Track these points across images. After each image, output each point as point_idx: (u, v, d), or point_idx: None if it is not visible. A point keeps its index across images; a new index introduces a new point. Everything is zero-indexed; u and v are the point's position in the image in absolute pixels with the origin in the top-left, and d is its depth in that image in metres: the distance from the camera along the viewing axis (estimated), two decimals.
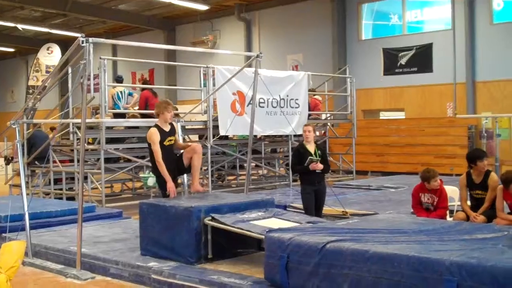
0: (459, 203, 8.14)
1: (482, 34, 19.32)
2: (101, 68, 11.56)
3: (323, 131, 17.56)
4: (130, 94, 14.28)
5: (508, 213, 7.47)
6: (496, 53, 18.92)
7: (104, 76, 11.56)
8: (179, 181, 9.26)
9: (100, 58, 11.56)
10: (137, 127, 13.44)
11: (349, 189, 13.89)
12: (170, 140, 7.91)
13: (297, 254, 5.48)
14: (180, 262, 6.69)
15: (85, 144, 9.72)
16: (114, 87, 13.72)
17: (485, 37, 19.24)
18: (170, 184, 7.70)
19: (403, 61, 20.92)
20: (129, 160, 13.48)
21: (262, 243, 6.43)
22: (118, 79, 14.77)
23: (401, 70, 21.04)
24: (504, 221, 7.13)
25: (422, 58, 20.48)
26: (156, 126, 7.89)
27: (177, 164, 8.02)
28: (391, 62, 21.25)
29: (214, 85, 13.15)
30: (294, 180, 14.53)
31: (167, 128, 7.93)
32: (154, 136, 7.72)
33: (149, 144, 7.81)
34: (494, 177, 7.79)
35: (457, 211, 8.12)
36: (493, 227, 6.02)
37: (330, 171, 16.45)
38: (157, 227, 7.10)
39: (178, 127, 8.87)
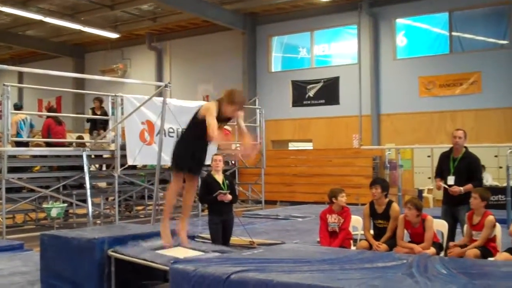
0: (362, 232, 8.34)
1: (386, 69, 20.09)
2: (5, 95, 11.19)
3: (233, 161, 17.64)
4: (32, 126, 13.79)
5: (409, 242, 7.71)
6: (399, 87, 19.70)
7: (7, 103, 11.20)
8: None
9: (4, 84, 11.21)
10: (43, 156, 13.03)
11: (257, 218, 13.97)
12: (220, 125, 6.76)
13: (202, 285, 5.42)
14: None
15: None
16: (16, 114, 13.27)
17: (389, 71, 20.01)
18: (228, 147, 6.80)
19: (311, 93, 21.41)
20: (32, 190, 13.04)
21: (167, 274, 6.34)
22: (16, 106, 14.31)
23: (309, 102, 21.52)
24: (404, 250, 7.35)
25: (329, 91, 21.04)
26: (219, 103, 6.69)
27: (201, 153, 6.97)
28: (300, 94, 21.71)
29: (122, 114, 13.00)
30: (203, 210, 14.48)
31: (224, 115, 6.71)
32: (213, 109, 6.52)
33: (196, 118, 6.72)
34: (395, 207, 8.04)
35: (360, 240, 8.31)
36: (394, 256, 6.19)
37: (239, 201, 16.56)
38: (58, 259, 6.89)
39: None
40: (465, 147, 8.65)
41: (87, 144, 13.04)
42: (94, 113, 15.06)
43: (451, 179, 8.43)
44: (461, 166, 8.46)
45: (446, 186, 8.45)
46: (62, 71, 16.05)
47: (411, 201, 7.67)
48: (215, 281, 5.33)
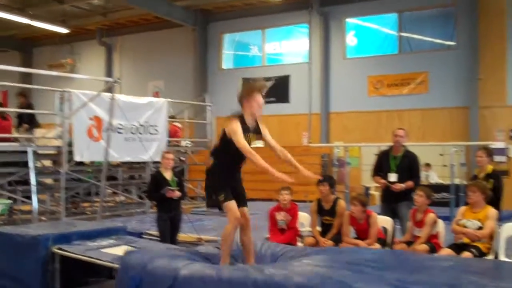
0: (309, 228, 8.43)
1: (336, 68, 20.32)
2: None
3: (182, 158, 17.56)
4: None
5: (355, 238, 7.83)
6: (348, 86, 19.94)
7: None
8: None
9: None
10: None
11: (206, 215, 13.96)
12: (254, 137, 6.10)
13: (150, 280, 5.42)
14: None
15: None
16: None
17: (339, 71, 20.24)
18: (275, 173, 5.89)
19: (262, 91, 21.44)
20: None
21: (113, 271, 6.30)
22: None
23: None
24: (350, 246, 7.47)
25: (280, 89, 21.13)
26: (241, 117, 5.93)
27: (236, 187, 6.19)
28: None
29: (70, 109, 12.80)
30: (151, 207, 14.38)
31: (251, 123, 6.00)
32: (237, 127, 5.80)
33: (224, 137, 5.94)
34: (341, 204, 8.16)
35: (307, 236, 8.40)
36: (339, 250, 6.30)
37: (188, 198, 16.50)
38: (2, 256, 6.78)
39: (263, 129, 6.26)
40: (403, 145, 8.86)
41: (20, 139, 12.79)
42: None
43: (393, 177, 8.60)
44: (403, 164, 8.65)
45: (388, 184, 8.61)
46: (9, 65, 15.70)
47: (357, 197, 7.82)
48: (163, 276, 5.32)
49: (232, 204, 5.96)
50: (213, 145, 6.26)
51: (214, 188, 6.06)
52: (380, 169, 8.84)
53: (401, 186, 8.43)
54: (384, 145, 15.04)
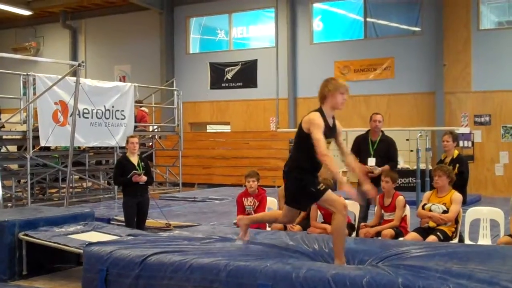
0: None
1: (303, 53, 20.32)
2: None
3: (150, 143, 17.48)
4: None
5: (322, 222, 7.89)
6: (315, 71, 19.92)
7: None
8: None
9: None
10: None
11: (174, 201, 13.96)
12: (328, 141, 5.71)
13: (117, 267, 5.40)
14: None
15: None
16: None
17: (306, 55, 20.25)
18: (348, 188, 5.46)
19: (229, 75, 21.43)
20: None
21: (81, 257, 6.26)
22: None
23: (227, 84, 21.53)
24: (317, 230, 7.53)
25: (247, 74, 21.10)
26: (321, 111, 5.67)
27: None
28: (218, 76, 21.67)
29: (35, 93, 12.63)
30: (119, 193, 14.30)
31: (330, 121, 5.72)
32: (319, 120, 5.52)
33: (301, 132, 5.66)
34: None
35: None
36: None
37: (156, 184, 16.44)
38: None
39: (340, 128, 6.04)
40: (381, 130, 8.93)
41: None
42: None
43: (371, 161, 8.65)
44: (380, 148, 8.71)
45: (368, 167, 8.65)
46: None
47: (323, 182, 7.82)
48: (131, 262, 5.31)
49: (332, 193, 5.70)
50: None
51: (307, 184, 5.72)
52: (357, 153, 8.83)
53: (378, 170, 8.43)
54: (350, 130, 15.21)
